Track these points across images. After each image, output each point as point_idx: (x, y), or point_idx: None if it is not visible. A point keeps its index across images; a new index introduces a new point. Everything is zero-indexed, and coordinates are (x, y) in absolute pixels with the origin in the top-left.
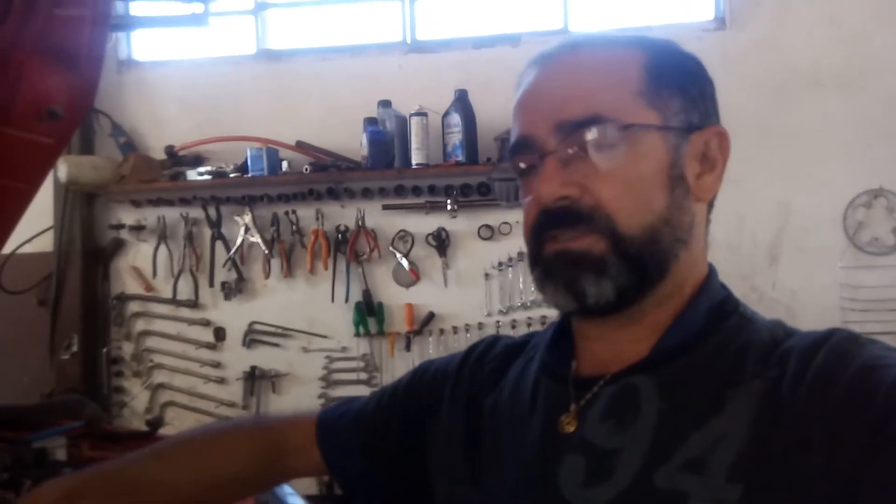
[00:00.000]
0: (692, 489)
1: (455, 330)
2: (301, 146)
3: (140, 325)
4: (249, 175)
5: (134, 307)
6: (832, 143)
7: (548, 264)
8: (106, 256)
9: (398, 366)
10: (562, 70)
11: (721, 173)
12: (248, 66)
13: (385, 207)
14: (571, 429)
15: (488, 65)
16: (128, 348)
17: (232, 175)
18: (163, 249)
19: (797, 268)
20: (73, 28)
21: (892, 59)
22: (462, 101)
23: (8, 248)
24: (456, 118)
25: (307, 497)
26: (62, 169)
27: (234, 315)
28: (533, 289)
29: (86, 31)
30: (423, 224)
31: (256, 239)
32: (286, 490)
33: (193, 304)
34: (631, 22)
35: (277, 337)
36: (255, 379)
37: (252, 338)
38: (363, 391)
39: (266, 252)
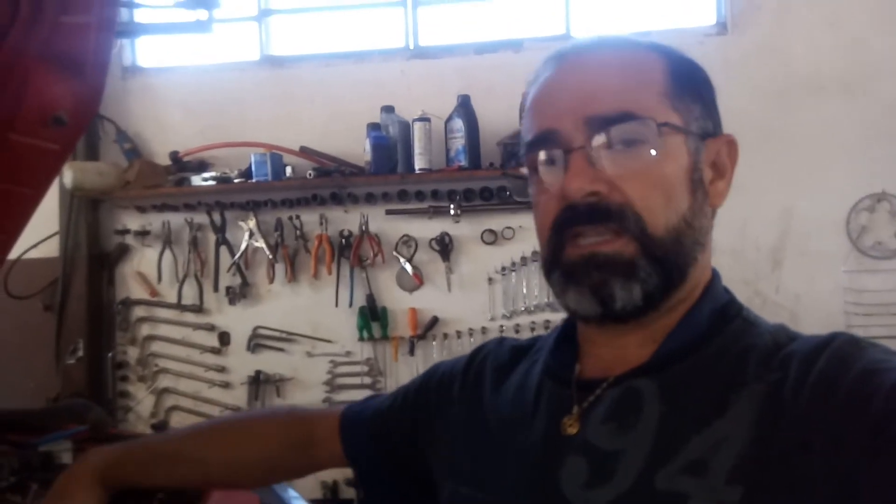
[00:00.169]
0: (692, 491)
1: (459, 334)
2: (305, 152)
3: (145, 329)
4: (253, 180)
5: (139, 312)
6: (834, 148)
7: (572, 268)
8: (111, 261)
9: (402, 370)
10: (588, 66)
11: (730, 181)
12: (252, 73)
13: (388, 212)
14: (574, 431)
15: (491, 70)
16: (133, 353)
17: (236, 180)
18: (168, 254)
19: (800, 272)
20: (79, 35)
21: (893, 62)
22: (465, 107)
23: (14, 253)
24: (459, 123)
25: (312, 501)
26: (68, 175)
27: (238, 320)
28: (536, 293)
29: (91, 38)
30: (426, 229)
31: (261, 244)
32: (290, 494)
33: (198, 308)
34: (632, 27)
35: (282, 341)
36: (259, 383)
37: (256, 342)
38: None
39: (270, 257)
